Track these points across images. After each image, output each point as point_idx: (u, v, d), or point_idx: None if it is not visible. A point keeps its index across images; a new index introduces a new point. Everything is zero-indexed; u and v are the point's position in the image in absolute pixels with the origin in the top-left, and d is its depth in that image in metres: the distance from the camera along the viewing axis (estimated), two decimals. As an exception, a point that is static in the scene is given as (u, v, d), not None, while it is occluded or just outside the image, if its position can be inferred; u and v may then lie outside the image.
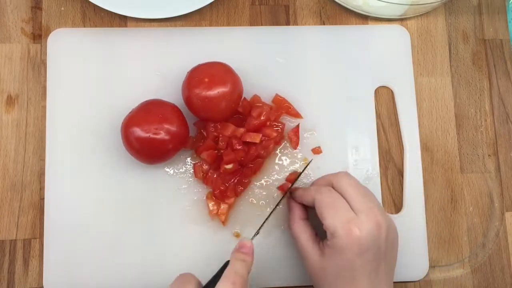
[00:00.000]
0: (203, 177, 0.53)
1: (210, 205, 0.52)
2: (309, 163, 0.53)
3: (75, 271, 0.52)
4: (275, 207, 0.52)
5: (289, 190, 0.52)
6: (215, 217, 0.52)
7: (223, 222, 0.52)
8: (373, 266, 0.44)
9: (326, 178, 0.49)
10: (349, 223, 0.44)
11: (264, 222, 0.50)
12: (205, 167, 0.53)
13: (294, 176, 0.53)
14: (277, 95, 0.55)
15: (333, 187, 0.47)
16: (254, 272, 0.52)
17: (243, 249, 0.46)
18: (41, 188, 0.53)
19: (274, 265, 0.53)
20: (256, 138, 0.52)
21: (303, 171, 0.53)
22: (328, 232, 0.45)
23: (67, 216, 0.52)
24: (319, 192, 0.47)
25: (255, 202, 0.54)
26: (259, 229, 0.50)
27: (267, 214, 0.52)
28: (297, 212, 0.50)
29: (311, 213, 0.49)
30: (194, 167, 0.53)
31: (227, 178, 0.52)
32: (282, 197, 0.53)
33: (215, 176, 0.52)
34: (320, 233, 0.48)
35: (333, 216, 0.45)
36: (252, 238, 0.48)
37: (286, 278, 0.53)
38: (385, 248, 0.45)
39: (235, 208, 0.53)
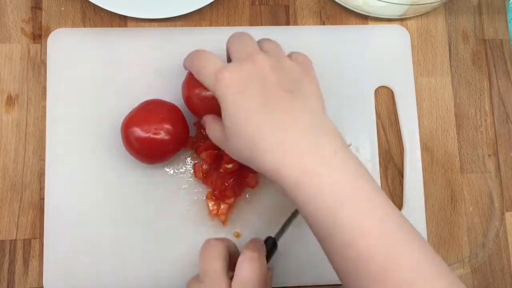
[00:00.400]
0: (203, 177, 0.53)
1: (210, 205, 0.52)
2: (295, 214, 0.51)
3: (75, 271, 0.52)
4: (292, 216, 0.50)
5: None
6: (215, 217, 0.52)
7: (223, 222, 0.52)
8: (258, 98, 0.40)
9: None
10: (218, 71, 0.41)
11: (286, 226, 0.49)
12: (205, 167, 0.53)
13: None
14: None
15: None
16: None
17: (254, 241, 0.46)
18: (41, 188, 0.53)
19: (275, 265, 0.53)
20: None
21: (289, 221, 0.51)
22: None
23: (67, 216, 0.52)
24: (188, 57, 0.46)
25: (255, 202, 0.53)
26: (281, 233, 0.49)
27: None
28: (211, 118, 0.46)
29: None
30: (194, 167, 0.53)
31: (226, 178, 0.52)
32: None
33: (215, 176, 0.52)
34: None
35: (203, 71, 0.43)
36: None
37: (286, 278, 0.53)
38: (278, 80, 0.41)
39: (235, 208, 0.53)
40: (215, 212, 0.52)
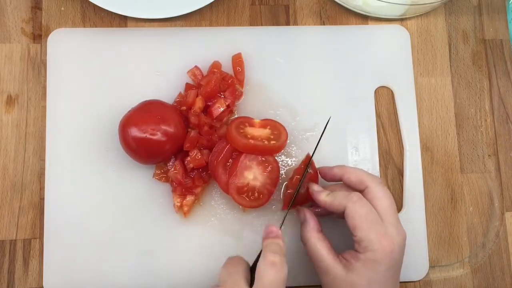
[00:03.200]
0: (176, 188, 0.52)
1: (175, 198, 0.52)
2: (311, 158, 0.51)
3: (75, 271, 0.52)
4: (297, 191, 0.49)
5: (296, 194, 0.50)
6: (179, 211, 0.52)
7: (185, 214, 0.52)
8: (397, 276, 0.46)
9: (359, 176, 0.47)
10: (384, 237, 0.44)
11: (288, 211, 0.48)
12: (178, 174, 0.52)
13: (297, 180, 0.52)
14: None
15: (364, 190, 0.46)
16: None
17: (271, 234, 0.45)
18: (41, 188, 0.53)
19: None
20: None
21: (306, 170, 0.51)
22: (361, 244, 0.44)
23: (67, 216, 0.52)
24: (351, 200, 0.45)
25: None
26: (284, 218, 0.48)
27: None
28: (313, 224, 0.48)
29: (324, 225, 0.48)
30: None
31: (191, 172, 0.52)
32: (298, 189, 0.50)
33: (181, 172, 0.51)
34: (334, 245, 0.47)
35: (369, 229, 0.44)
36: (280, 227, 0.46)
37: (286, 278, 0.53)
38: (402, 260, 0.46)
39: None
40: (179, 205, 0.52)
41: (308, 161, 0.51)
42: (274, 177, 0.50)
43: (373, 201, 0.45)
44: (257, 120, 0.52)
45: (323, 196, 0.47)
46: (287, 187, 0.53)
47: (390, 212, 0.45)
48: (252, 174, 0.50)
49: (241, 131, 0.51)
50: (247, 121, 0.52)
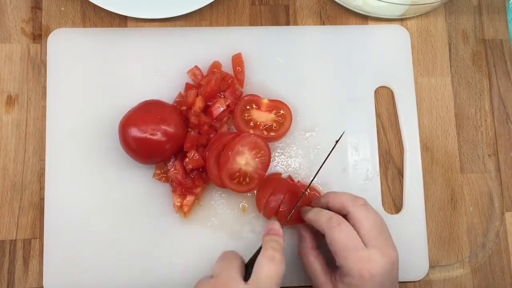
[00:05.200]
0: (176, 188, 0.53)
1: (175, 198, 0.52)
2: (338, 139, 0.51)
3: (75, 271, 0.52)
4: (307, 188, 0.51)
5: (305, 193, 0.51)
6: (179, 211, 0.52)
7: (185, 214, 0.52)
8: None
9: (341, 202, 0.47)
10: (362, 262, 0.43)
11: (293, 210, 0.49)
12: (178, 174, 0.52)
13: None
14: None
15: (347, 215, 0.46)
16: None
17: (272, 231, 0.46)
18: (41, 188, 0.53)
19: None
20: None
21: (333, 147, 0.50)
22: (341, 269, 0.44)
23: (67, 216, 0.52)
24: (330, 226, 0.45)
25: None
26: (289, 216, 0.49)
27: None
28: (309, 241, 0.48)
29: (322, 241, 0.48)
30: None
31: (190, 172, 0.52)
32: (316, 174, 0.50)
33: (181, 172, 0.52)
34: (330, 259, 0.46)
35: (346, 255, 0.44)
36: (282, 226, 0.47)
37: (286, 278, 0.53)
38: (396, 280, 0.45)
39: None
40: (179, 205, 0.52)
41: (309, 184, 0.52)
42: (265, 162, 0.51)
43: (355, 226, 0.45)
44: (265, 100, 0.54)
45: (310, 214, 0.48)
46: (281, 202, 0.52)
47: (374, 234, 0.44)
48: (244, 160, 0.50)
49: (246, 114, 0.53)
50: (255, 101, 0.54)
